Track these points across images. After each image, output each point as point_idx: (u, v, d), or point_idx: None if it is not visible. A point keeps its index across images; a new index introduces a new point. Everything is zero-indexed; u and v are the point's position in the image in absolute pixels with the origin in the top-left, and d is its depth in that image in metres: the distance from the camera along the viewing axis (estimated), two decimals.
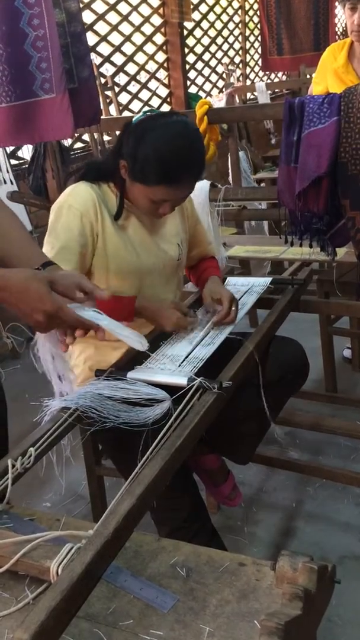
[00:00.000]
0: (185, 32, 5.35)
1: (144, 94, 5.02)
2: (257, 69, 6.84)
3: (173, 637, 0.79)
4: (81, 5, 3.88)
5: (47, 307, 0.98)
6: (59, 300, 1.01)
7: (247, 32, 6.64)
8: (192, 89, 5.63)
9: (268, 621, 0.72)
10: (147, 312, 1.50)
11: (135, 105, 4.90)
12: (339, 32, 6.31)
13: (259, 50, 6.33)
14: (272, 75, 6.92)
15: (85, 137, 4.19)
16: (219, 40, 6.12)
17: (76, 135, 4.12)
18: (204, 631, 0.80)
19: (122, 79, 4.78)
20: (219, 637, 0.79)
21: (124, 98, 4.73)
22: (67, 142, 3.77)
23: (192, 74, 5.67)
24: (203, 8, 5.78)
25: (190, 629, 0.80)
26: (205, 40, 5.87)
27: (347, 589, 1.63)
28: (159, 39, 5.11)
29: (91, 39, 4.38)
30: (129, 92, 4.80)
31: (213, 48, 6.00)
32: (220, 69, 6.11)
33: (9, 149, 3.46)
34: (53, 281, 1.04)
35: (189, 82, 5.49)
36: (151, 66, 5.06)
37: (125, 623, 0.82)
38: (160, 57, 5.16)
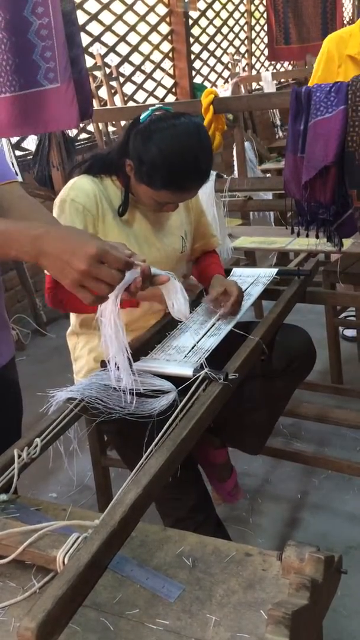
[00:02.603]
0: (191, 22, 5.31)
1: (149, 84, 4.99)
2: (262, 58, 6.79)
3: (179, 626, 0.80)
4: None
5: (91, 249, 0.88)
6: (105, 244, 0.91)
7: (253, 22, 6.59)
8: (198, 79, 5.60)
9: (275, 610, 0.72)
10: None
11: (140, 96, 4.88)
12: (345, 21, 6.24)
13: (265, 40, 6.27)
14: (278, 65, 6.87)
15: (90, 127, 4.18)
16: (225, 29, 6.07)
17: (81, 126, 4.09)
18: (210, 620, 0.80)
19: (127, 69, 4.75)
20: (225, 627, 0.79)
21: (129, 88, 4.71)
22: (72, 133, 3.76)
23: (197, 64, 5.63)
24: None
25: (196, 619, 0.81)
26: (211, 30, 5.82)
27: (352, 580, 1.63)
28: (164, 28, 5.07)
29: (96, 28, 4.36)
30: (134, 83, 4.77)
31: (218, 38, 5.96)
32: (225, 58, 6.06)
33: (14, 140, 3.45)
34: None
35: (194, 72, 5.45)
36: (156, 56, 5.02)
37: (132, 612, 0.82)
38: (166, 47, 5.12)
